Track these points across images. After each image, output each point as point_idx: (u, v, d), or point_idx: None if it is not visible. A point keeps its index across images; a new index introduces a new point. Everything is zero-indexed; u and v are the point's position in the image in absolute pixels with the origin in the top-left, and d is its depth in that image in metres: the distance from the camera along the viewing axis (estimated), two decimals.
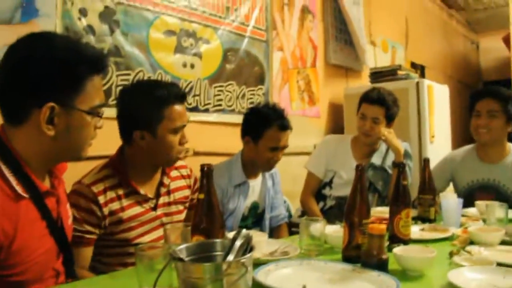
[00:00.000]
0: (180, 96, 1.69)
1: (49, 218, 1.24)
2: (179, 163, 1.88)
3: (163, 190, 1.75)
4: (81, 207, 1.56)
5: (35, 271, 1.21)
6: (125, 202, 1.64)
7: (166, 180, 1.76)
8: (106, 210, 1.59)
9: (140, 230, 1.67)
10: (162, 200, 1.74)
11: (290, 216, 2.80)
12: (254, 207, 2.38)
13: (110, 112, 2.32)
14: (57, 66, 1.17)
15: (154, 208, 1.71)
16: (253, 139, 2.25)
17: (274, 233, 2.50)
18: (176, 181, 1.82)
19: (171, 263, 0.96)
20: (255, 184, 2.38)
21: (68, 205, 1.42)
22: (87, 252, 1.58)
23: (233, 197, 2.25)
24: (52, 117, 1.16)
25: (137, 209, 1.67)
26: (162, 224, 1.70)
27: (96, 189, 1.59)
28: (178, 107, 1.66)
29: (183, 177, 1.87)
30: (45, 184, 1.27)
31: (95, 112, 1.25)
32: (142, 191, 1.68)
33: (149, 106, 1.63)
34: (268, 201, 2.44)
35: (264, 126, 2.22)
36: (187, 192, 1.85)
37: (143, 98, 1.66)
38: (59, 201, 1.32)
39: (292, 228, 2.62)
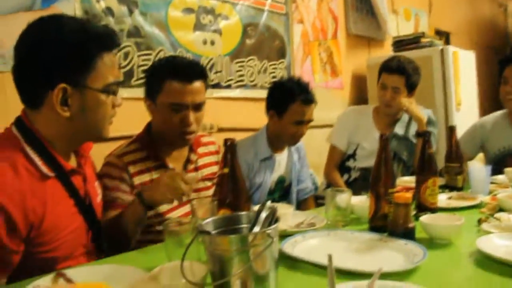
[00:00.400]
0: (185, 72, 1.63)
1: (76, 196, 1.27)
2: (206, 139, 1.89)
3: (190, 166, 1.77)
4: (113, 176, 1.60)
5: (65, 248, 1.24)
6: (155, 175, 1.67)
7: (193, 157, 1.78)
8: (136, 180, 1.63)
9: (168, 205, 1.69)
10: None
11: (316, 188, 2.81)
12: (281, 181, 2.40)
13: (133, 92, 2.38)
14: (65, 48, 1.17)
15: None
16: (278, 113, 2.25)
17: (301, 206, 2.52)
18: (204, 158, 1.84)
19: (198, 237, 0.97)
20: (281, 158, 2.38)
21: (96, 183, 1.45)
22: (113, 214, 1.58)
23: (259, 172, 2.26)
24: (66, 98, 1.18)
25: None
26: (190, 201, 1.72)
27: (126, 159, 1.64)
28: (180, 84, 1.61)
29: (211, 153, 1.89)
30: (71, 163, 1.30)
31: (109, 90, 1.24)
32: (170, 165, 1.70)
33: (153, 74, 1.68)
34: (294, 174, 2.45)
35: (288, 100, 2.21)
36: (215, 169, 1.86)
37: (153, 67, 1.72)
38: (86, 179, 1.34)
39: (318, 200, 2.62)
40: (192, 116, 1.64)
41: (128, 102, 2.36)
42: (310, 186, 2.62)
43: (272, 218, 0.97)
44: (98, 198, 1.43)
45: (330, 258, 0.78)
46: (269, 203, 1.00)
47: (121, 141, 1.78)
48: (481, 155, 2.65)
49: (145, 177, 1.65)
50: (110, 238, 1.44)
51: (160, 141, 1.71)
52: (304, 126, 2.26)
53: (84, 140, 1.34)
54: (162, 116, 1.66)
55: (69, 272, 1.08)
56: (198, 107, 1.66)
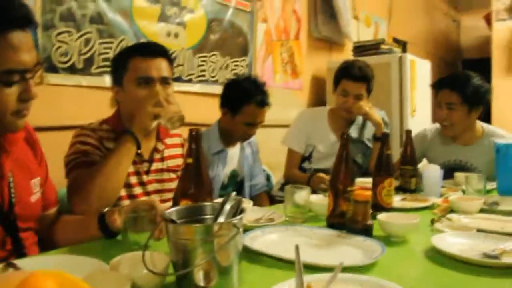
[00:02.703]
0: (147, 48, 1.64)
1: None
2: (173, 131, 1.86)
3: (156, 155, 1.74)
4: (87, 142, 1.58)
5: None
6: None
7: (160, 146, 1.75)
8: None
9: (134, 190, 1.66)
10: (155, 166, 1.73)
11: (271, 186, 2.82)
12: (233, 175, 2.40)
13: (93, 80, 2.31)
14: None
15: (147, 172, 1.71)
16: (231, 112, 2.25)
17: (254, 202, 2.51)
18: (170, 149, 1.81)
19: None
20: (234, 152, 2.39)
21: (33, 181, 1.30)
22: None
23: (211, 165, 2.26)
24: None
25: (133, 168, 1.66)
26: (155, 191, 1.71)
27: (100, 134, 1.62)
28: (143, 59, 1.60)
29: (177, 145, 1.86)
30: None
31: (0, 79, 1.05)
32: (139, 151, 1.65)
33: (118, 58, 1.67)
34: (247, 169, 2.46)
35: (242, 101, 2.22)
36: (180, 161, 1.83)
37: (116, 54, 1.72)
38: (4, 177, 1.20)
39: (272, 202, 2.62)
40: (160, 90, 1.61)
41: (88, 90, 2.31)
42: (263, 181, 2.63)
43: (237, 210, 0.97)
44: (33, 197, 1.29)
45: (297, 248, 0.79)
46: (234, 194, 1.00)
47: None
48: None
49: None
50: (94, 189, 1.41)
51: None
52: (255, 127, 2.28)
53: None
54: (130, 96, 1.62)
55: (20, 263, 1.02)
56: (165, 81, 1.63)
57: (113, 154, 1.49)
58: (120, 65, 1.63)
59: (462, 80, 2.39)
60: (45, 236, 1.37)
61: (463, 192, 2.03)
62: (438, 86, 2.47)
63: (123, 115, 1.69)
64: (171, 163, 1.79)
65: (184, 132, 1.96)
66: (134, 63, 1.60)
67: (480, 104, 2.39)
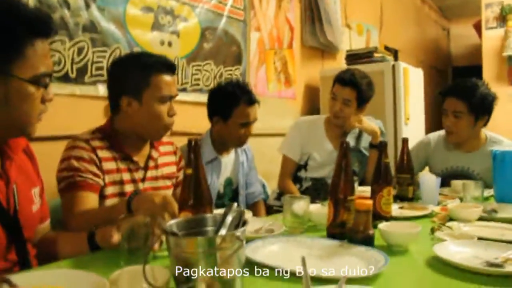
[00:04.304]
0: (168, 65, 1.67)
1: None
2: (165, 139, 1.85)
3: (151, 163, 1.74)
4: (81, 157, 1.55)
5: None
6: (120, 165, 1.64)
7: (154, 154, 1.75)
8: (104, 166, 1.59)
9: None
10: (150, 173, 1.73)
11: (267, 196, 2.80)
12: (229, 183, 2.38)
13: (86, 90, 2.29)
14: None
15: (143, 180, 1.70)
16: (223, 118, 2.24)
17: (251, 210, 2.49)
18: (163, 156, 1.81)
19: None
20: (228, 160, 2.37)
21: (34, 191, 1.30)
22: (91, 198, 1.53)
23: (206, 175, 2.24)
24: None
25: (129, 176, 1.66)
26: None
27: (94, 144, 1.60)
28: (165, 76, 1.64)
29: (169, 153, 1.86)
30: None
31: (39, 81, 1.11)
32: (135, 158, 1.67)
33: (137, 71, 1.64)
34: (242, 176, 2.43)
35: (232, 104, 2.22)
36: (173, 169, 1.83)
37: (131, 64, 1.67)
38: (10, 184, 1.20)
39: (269, 211, 2.60)
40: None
41: (81, 99, 2.28)
42: (259, 189, 2.61)
43: (239, 221, 0.95)
44: (33, 207, 1.28)
45: (303, 261, 0.77)
46: (235, 205, 0.98)
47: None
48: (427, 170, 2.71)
49: (111, 165, 1.61)
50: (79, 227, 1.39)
51: (122, 136, 1.68)
52: (250, 127, 2.27)
53: (4, 137, 1.19)
54: (151, 111, 1.63)
55: (18, 278, 0.96)
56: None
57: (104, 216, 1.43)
58: (140, 80, 1.63)
59: (469, 88, 2.38)
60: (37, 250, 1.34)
61: (461, 199, 2.02)
62: (445, 93, 2.48)
63: (126, 123, 1.67)
64: (165, 170, 1.79)
65: (176, 140, 1.96)
66: (158, 80, 1.63)
67: (486, 112, 2.40)
